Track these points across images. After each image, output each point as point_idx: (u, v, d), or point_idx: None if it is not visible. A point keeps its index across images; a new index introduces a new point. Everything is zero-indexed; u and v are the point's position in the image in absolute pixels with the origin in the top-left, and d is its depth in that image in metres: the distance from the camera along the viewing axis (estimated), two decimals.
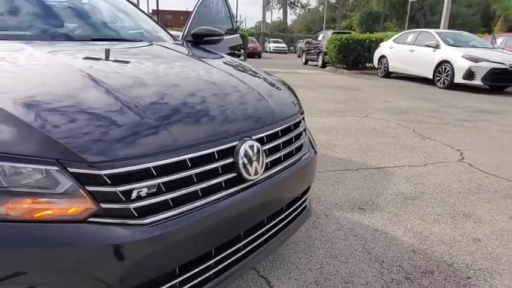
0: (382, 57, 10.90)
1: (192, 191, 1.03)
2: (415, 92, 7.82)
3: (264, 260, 1.64)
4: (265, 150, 1.25)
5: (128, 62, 1.59)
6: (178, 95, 1.27)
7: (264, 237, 1.33)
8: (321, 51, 14.93)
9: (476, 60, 7.72)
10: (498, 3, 30.73)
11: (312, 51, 16.41)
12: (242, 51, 3.74)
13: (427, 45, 8.91)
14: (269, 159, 1.28)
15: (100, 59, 1.57)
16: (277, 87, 1.68)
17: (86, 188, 0.87)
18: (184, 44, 2.38)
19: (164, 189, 0.97)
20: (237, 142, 1.16)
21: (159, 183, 0.96)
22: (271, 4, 49.66)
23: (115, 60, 1.59)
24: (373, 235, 1.95)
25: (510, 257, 1.78)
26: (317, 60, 15.51)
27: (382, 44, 11.25)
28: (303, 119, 1.62)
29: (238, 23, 24.62)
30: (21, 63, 1.32)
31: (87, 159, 0.87)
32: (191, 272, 1.07)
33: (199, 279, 1.10)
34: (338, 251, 1.78)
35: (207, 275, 1.12)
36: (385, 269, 1.66)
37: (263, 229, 1.31)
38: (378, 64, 11.20)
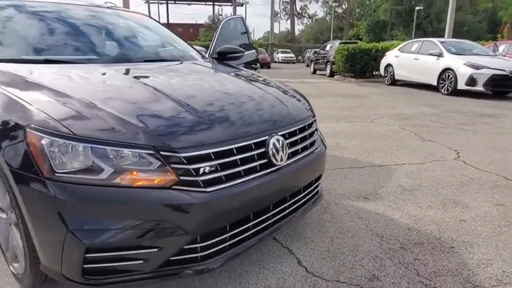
0: (388, 65, 11.28)
1: (237, 171, 1.45)
2: (419, 99, 8.17)
3: (286, 230, 2.04)
4: (287, 144, 1.66)
5: (177, 77, 2.04)
6: (222, 102, 1.70)
7: (287, 211, 1.73)
8: (328, 61, 15.37)
9: (477, 67, 8.06)
10: (504, 9, 30.92)
11: (320, 60, 16.87)
12: (258, 64, 4.19)
13: (430, 54, 9.28)
14: (290, 151, 1.69)
15: (155, 75, 2.02)
16: (294, 96, 2.10)
17: (171, 165, 1.30)
18: (212, 61, 2.83)
19: (219, 169, 1.39)
20: (267, 137, 1.58)
21: (216, 164, 1.38)
22: (279, 15, 50.55)
23: (167, 76, 2.04)
24: (375, 218, 2.33)
25: (489, 233, 2.14)
26: (325, 69, 15.94)
27: (388, 53, 11.64)
28: (315, 121, 2.03)
29: None
30: (107, 79, 1.78)
31: (171, 146, 1.30)
32: (237, 230, 1.48)
33: (241, 237, 1.50)
34: (345, 229, 2.17)
35: (247, 234, 1.52)
36: (384, 241, 2.04)
37: (286, 204, 1.71)
38: (384, 72, 11.58)
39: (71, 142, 1.25)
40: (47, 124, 1.28)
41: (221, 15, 48.65)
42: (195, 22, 45.48)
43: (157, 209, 1.28)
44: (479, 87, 8.08)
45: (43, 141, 1.25)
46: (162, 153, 1.29)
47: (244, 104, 1.72)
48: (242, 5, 44.47)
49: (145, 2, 40.27)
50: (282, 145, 1.61)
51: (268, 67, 24.38)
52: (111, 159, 1.26)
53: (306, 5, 52.68)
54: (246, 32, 4.10)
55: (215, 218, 1.38)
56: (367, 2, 50.27)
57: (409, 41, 11.46)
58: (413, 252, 1.93)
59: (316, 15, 56.37)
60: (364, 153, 3.78)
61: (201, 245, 1.37)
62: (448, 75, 8.68)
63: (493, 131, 4.93)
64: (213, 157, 1.38)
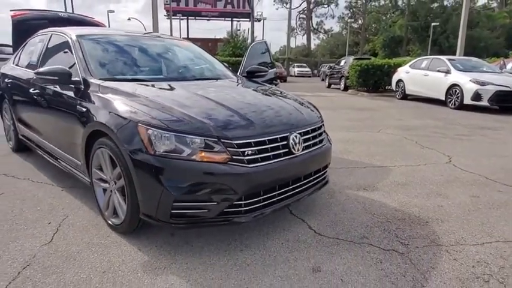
0: (400, 81, 11.88)
1: (268, 155, 2.15)
2: (427, 112, 8.74)
3: (300, 202, 2.73)
4: (302, 139, 2.36)
5: (222, 91, 2.80)
6: (257, 108, 2.42)
7: (301, 188, 2.42)
8: (343, 76, 16.05)
9: (482, 83, 8.60)
10: None
11: (335, 75, 17.57)
12: (278, 80, 4.94)
13: (439, 71, 9.86)
14: (304, 144, 2.39)
15: (207, 89, 2.77)
16: (308, 106, 2.82)
17: (227, 149, 2.02)
18: (244, 78, 3.59)
19: (257, 153, 2.10)
20: (288, 133, 2.28)
21: (255, 150, 2.10)
22: (295, 31, 51.64)
23: (215, 90, 2.81)
24: (370, 202, 2.98)
25: (459, 214, 2.76)
26: (339, 83, 16.62)
27: (399, 69, 12.25)
28: (323, 125, 2.73)
29: None
30: (176, 92, 2.54)
31: (228, 136, 2.03)
32: (267, 195, 2.17)
33: (270, 200, 2.20)
34: (346, 209, 2.84)
35: (273, 199, 2.22)
36: (375, 217, 2.69)
37: (300, 182, 2.40)
38: (396, 87, 12.17)
39: (164, 132, 1.99)
40: (150, 121, 2.03)
41: (239, 30, 50.15)
42: (213, 37, 46.81)
43: (218, 176, 1.99)
44: (484, 102, 8.60)
45: (149, 132, 2.00)
46: (222, 140, 2.02)
47: (272, 111, 2.45)
48: (259, 21, 45.72)
49: (167, 18, 42.07)
50: (299, 140, 2.32)
51: (285, 81, 25.15)
52: (189, 144, 1.99)
53: (322, 21, 53.70)
54: (269, 53, 4.87)
55: (253, 185, 2.08)
56: (383, 18, 50.98)
57: (419, 58, 12.05)
58: (395, 224, 2.58)
59: (332, 31, 57.30)
60: (367, 156, 4.43)
61: (244, 202, 2.08)
62: (455, 91, 9.23)
63: (488, 141, 5.49)
64: (253, 145, 2.10)
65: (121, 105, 2.22)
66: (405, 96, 11.68)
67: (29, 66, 3.57)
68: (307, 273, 1.95)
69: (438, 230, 2.49)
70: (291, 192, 2.35)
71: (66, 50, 3.01)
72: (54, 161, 3.13)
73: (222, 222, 2.09)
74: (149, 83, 2.68)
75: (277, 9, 66.31)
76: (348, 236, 2.39)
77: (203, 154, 2.00)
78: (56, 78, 2.59)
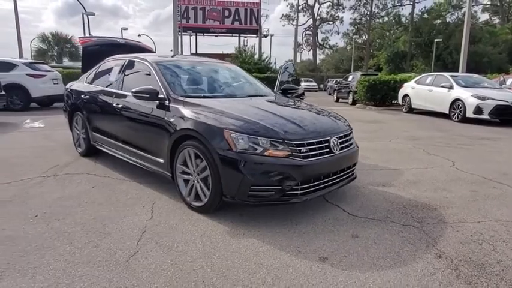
0: (406, 95, 12.65)
1: (316, 153, 2.90)
2: (432, 125, 9.47)
3: (336, 191, 3.45)
4: (338, 142, 3.11)
5: (273, 104, 3.58)
6: (304, 118, 3.19)
7: (338, 179, 3.16)
8: (351, 90, 16.88)
9: (483, 98, 9.35)
10: None
11: (343, 90, 18.41)
12: (303, 96, 5.74)
13: (442, 86, 10.63)
14: (340, 146, 3.14)
15: (262, 103, 3.55)
16: (340, 118, 3.59)
17: (288, 147, 2.77)
18: (280, 95, 4.37)
19: (308, 151, 2.85)
20: (329, 137, 3.04)
21: (307, 149, 2.85)
22: (301, 46, 52.94)
23: (269, 104, 3.60)
24: (389, 194, 3.70)
25: (461, 203, 3.47)
26: (347, 98, 17.43)
27: (405, 85, 13.04)
28: (352, 132, 3.48)
29: (271, 64, 27.25)
30: (239, 105, 3.31)
31: (289, 138, 2.79)
32: (315, 182, 2.91)
33: (318, 187, 2.94)
34: (370, 199, 3.55)
35: (320, 186, 2.96)
36: (394, 204, 3.41)
37: (338, 175, 3.14)
38: (402, 102, 12.93)
39: (244, 135, 2.76)
40: (231, 127, 2.80)
41: (246, 45, 51.62)
42: (221, 52, 48.14)
43: (282, 167, 2.74)
44: (485, 116, 9.33)
45: (232, 135, 2.76)
46: (285, 141, 2.78)
47: (316, 120, 3.22)
48: (266, 37, 47.02)
49: (180, 34, 43.54)
50: (336, 142, 3.08)
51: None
52: (261, 144, 2.75)
53: (327, 37, 55.10)
54: (296, 72, 5.68)
55: (307, 174, 2.82)
56: (387, 34, 52.29)
57: (424, 74, 12.85)
58: (410, 209, 3.29)
59: (337, 46, 58.58)
60: (382, 161, 5.16)
61: (300, 186, 2.82)
62: (458, 105, 9.97)
63: (487, 149, 6.20)
64: (305, 145, 2.85)
65: (206, 116, 2.99)
66: (411, 110, 12.43)
67: (107, 85, 4.36)
68: (348, 238, 2.68)
69: (444, 213, 3.21)
70: (331, 182, 3.08)
71: (145, 72, 3.82)
72: (133, 161, 3.89)
73: (283, 202, 2.83)
74: (217, 99, 3.46)
75: (283, 25, 68.09)
76: (375, 216, 3.11)
77: (271, 151, 2.75)
78: (148, 95, 3.37)
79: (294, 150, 2.79)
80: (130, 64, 4.15)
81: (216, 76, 4.25)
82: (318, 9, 50.67)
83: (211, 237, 2.64)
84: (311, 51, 54.17)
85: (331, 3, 50.04)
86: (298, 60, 57.62)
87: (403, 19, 48.01)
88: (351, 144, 3.37)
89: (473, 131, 8.44)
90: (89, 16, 28.77)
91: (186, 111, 3.16)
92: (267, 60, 26.66)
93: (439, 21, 44.03)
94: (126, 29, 49.96)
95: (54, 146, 5.70)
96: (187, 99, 3.31)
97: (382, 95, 14.69)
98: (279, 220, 2.97)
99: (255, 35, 46.01)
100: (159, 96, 3.41)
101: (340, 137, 3.20)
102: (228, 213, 3.06)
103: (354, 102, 16.49)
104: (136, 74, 4.01)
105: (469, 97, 9.63)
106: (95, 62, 5.08)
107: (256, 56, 31.10)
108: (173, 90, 3.47)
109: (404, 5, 47.39)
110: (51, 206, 3.19)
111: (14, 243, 2.49)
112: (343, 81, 18.98)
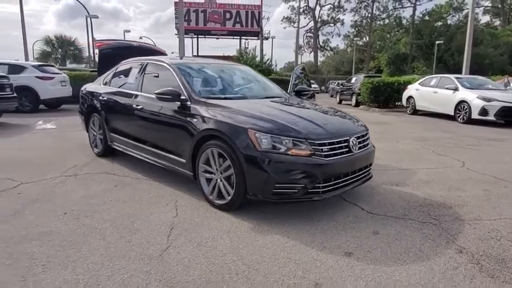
0: (410, 97, 12.75)
1: (336, 152, 2.99)
2: (437, 126, 9.57)
3: (354, 190, 3.54)
4: (357, 142, 3.21)
5: (289, 105, 3.67)
6: (324, 119, 3.28)
7: (356, 178, 3.25)
8: (354, 92, 16.98)
9: (488, 100, 9.44)
10: None
11: (345, 92, 18.53)
12: (315, 98, 5.83)
13: (447, 88, 10.72)
14: (358, 146, 3.23)
15: (279, 104, 3.65)
16: (358, 120, 3.68)
17: (311, 146, 2.86)
18: (295, 97, 4.47)
19: (329, 150, 2.95)
20: (349, 137, 3.13)
21: (328, 148, 2.94)
22: (302, 48, 53.09)
23: (286, 104, 3.69)
24: (404, 193, 3.79)
25: (475, 202, 3.55)
26: (351, 99, 17.53)
27: (409, 87, 13.14)
28: (368, 132, 3.57)
29: (272, 66, 27.39)
30: (260, 107, 3.40)
31: (312, 138, 2.88)
32: (336, 181, 3.00)
33: (338, 185, 3.03)
34: (386, 197, 3.64)
35: (340, 184, 3.05)
36: (410, 203, 3.49)
37: (356, 174, 3.23)
38: (406, 103, 13.03)
39: (267, 135, 2.85)
40: (255, 127, 2.89)
41: (247, 47, 51.91)
42: (222, 54, 48.32)
43: (305, 166, 2.83)
44: (490, 117, 9.42)
45: (256, 135, 2.85)
46: (308, 141, 2.87)
47: (336, 121, 3.34)
48: (267, 39, 47.18)
49: (178, 36, 43.73)
50: (355, 142, 3.17)
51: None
52: (284, 143, 2.84)
53: (328, 39, 55.24)
54: (306, 74, 5.78)
55: (328, 173, 2.91)
56: (387, 36, 52.44)
57: (428, 76, 12.95)
58: (427, 207, 3.38)
59: (337, 48, 58.75)
60: (393, 162, 5.25)
61: (322, 185, 2.91)
62: (463, 107, 10.07)
63: (495, 150, 6.29)
64: (327, 144, 2.94)
65: (230, 116, 3.09)
66: (415, 112, 12.52)
67: (126, 86, 4.46)
68: (369, 235, 2.76)
69: (460, 211, 3.29)
70: (350, 181, 3.18)
71: (164, 74, 3.92)
72: (152, 161, 3.98)
73: (306, 199, 2.92)
74: (237, 100, 3.56)
75: (284, 28, 68.00)
76: (393, 214, 3.20)
77: (294, 150, 2.84)
78: (170, 96, 3.47)
79: (316, 150, 2.88)
80: (149, 66, 4.24)
81: (230, 77, 4.35)
82: (319, 11, 50.82)
83: (237, 234, 2.73)
84: (312, 53, 54.35)
85: (332, 6, 50.26)
86: (299, 62, 57.74)
87: (404, 21, 48.19)
88: (367, 144, 3.46)
89: (479, 132, 8.53)
90: (92, 19, 28.97)
91: (209, 112, 3.25)
92: (268, 62, 26.77)
93: (440, 23, 44.17)
94: (129, 31, 50.17)
95: (70, 147, 5.80)
96: (209, 101, 3.41)
97: (385, 97, 14.78)
98: (301, 218, 3.06)
99: (256, 37, 46.17)
100: (181, 97, 3.50)
101: (358, 137, 3.29)
102: (250, 211, 3.14)
103: (357, 104, 16.58)
104: (155, 76, 4.11)
105: (474, 99, 9.72)
106: (111, 64, 5.18)
107: (258, 58, 31.25)
108: (194, 91, 3.56)
109: (405, 7, 47.55)
110: (77, 203, 3.28)
111: (50, 238, 2.58)
112: (346, 84, 19.09)
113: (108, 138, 4.79)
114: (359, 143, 3.27)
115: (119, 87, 4.60)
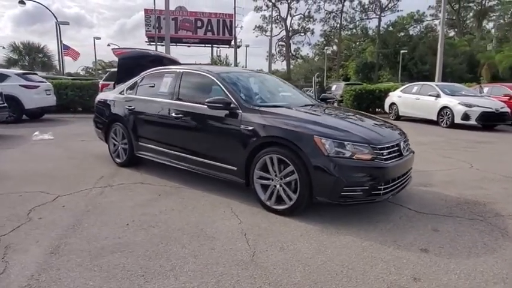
0: (392, 104, 13.37)
1: (393, 155, 3.18)
2: (424, 131, 10.13)
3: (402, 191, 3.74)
4: (405, 145, 3.41)
5: (333, 112, 3.82)
6: (370, 124, 3.46)
7: (404, 180, 3.44)
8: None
9: (470, 106, 10.14)
10: (481, 53, 34.55)
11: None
12: (335, 103, 6.05)
13: (430, 95, 11.39)
14: (405, 149, 3.43)
15: (325, 111, 3.79)
16: (396, 125, 3.89)
17: (373, 151, 3.02)
18: (322, 104, 4.64)
19: (387, 154, 3.12)
20: (399, 142, 3.33)
21: (386, 152, 3.11)
22: (275, 57, 53.96)
23: (329, 111, 3.84)
24: (437, 194, 4.03)
25: (502, 199, 3.86)
26: None
27: (390, 94, 13.78)
28: (407, 139, 3.80)
29: None
30: (309, 114, 3.52)
31: (373, 143, 3.04)
32: (393, 183, 3.18)
33: (395, 186, 3.20)
34: (423, 198, 3.86)
35: (396, 186, 3.23)
36: (447, 202, 3.73)
37: (404, 176, 3.43)
38: (389, 110, 13.65)
39: (334, 141, 2.98)
40: (320, 133, 3.01)
41: (219, 56, 52.05)
42: (194, 62, 48.01)
43: (370, 169, 2.98)
44: (472, 122, 10.12)
45: (322, 141, 2.97)
46: (370, 145, 3.02)
47: (384, 128, 3.52)
48: (239, 47, 47.53)
49: (148, 44, 42.94)
50: (404, 146, 3.37)
51: None
52: (347, 148, 2.98)
53: (299, 48, 56.53)
54: (321, 82, 5.98)
55: (389, 175, 3.08)
56: (353, 45, 54.59)
57: (409, 84, 13.67)
58: (465, 206, 3.63)
59: (308, 56, 60.23)
60: None
61: (383, 186, 3.06)
62: (446, 112, 10.73)
63: (490, 151, 6.80)
64: (385, 148, 3.12)
65: (292, 124, 3.18)
66: (398, 118, 13.13)
67: (159, 95, 4.40)
68: (431, 232, 2.95)
69: (496, 208, 3.57)
70: (401, 183, 3.36)
71: (206, 84, 3.95)
72: (193, 169, 3.97)
73: (369, 201, 3.07)
74: (285, 108, 3.66)
75: (256, 36, 68.89)
76: (440, 212, 3.42)
77: (358, 155, 2.99)
78: (221, 105, 3.51)
79: (378, 154, 3.04)
80: (187, 75, 4.24)
81: (267, 86, 4.45)
82: (291, 21, 51.97)
83: (311, 237, 2.82)
84: (284, 61, 55.33)
85: (302, 16, 51.55)
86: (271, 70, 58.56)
87: (370, 31, 50.44)
88: (410, 148, 3.67)
89: (465, 135, 9.13)
90: (60, 25, 27.93)
91: (267, 120, 3.32)
92: None
93: (403, 33, 46.70)
94: (99, 38, 48.71)
95: (81, 157, 5.60)
96: (263, 108, 3.49)
97: (367, 104, 15.40)
98: (360, 219, 3.19)
99: (227, 46, 46.38)
100: (231, 105, 3.55)
101: (404, 141, 3.50)
102: (308, 215, 3.23)
103: None
104: (195, 85, 4.12)
105: (456, 105, 10.40)
106: (130, 73, 5.10)
107: (232, 66, 31.26)
108: (243, 99, 3.63)
109: (370, 18, 49.80)
110: (133, 214, 3.22)
111: (130, 249, 2.54)
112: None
113: (135, 148, 4.70)
114: (406, 146, 3.48)
115: (150, 96, 4.54)
